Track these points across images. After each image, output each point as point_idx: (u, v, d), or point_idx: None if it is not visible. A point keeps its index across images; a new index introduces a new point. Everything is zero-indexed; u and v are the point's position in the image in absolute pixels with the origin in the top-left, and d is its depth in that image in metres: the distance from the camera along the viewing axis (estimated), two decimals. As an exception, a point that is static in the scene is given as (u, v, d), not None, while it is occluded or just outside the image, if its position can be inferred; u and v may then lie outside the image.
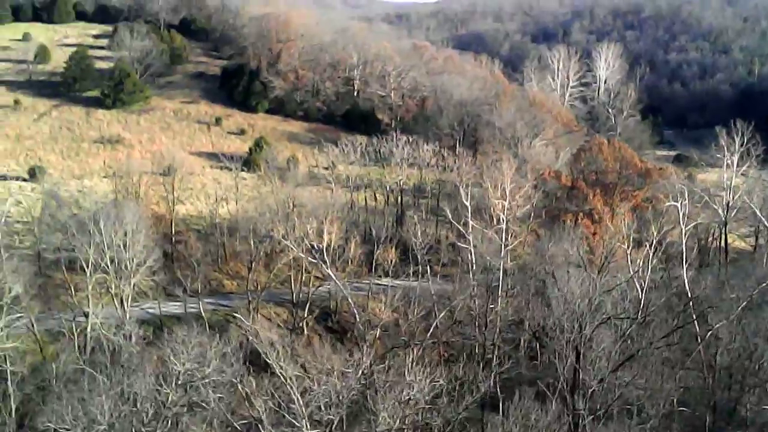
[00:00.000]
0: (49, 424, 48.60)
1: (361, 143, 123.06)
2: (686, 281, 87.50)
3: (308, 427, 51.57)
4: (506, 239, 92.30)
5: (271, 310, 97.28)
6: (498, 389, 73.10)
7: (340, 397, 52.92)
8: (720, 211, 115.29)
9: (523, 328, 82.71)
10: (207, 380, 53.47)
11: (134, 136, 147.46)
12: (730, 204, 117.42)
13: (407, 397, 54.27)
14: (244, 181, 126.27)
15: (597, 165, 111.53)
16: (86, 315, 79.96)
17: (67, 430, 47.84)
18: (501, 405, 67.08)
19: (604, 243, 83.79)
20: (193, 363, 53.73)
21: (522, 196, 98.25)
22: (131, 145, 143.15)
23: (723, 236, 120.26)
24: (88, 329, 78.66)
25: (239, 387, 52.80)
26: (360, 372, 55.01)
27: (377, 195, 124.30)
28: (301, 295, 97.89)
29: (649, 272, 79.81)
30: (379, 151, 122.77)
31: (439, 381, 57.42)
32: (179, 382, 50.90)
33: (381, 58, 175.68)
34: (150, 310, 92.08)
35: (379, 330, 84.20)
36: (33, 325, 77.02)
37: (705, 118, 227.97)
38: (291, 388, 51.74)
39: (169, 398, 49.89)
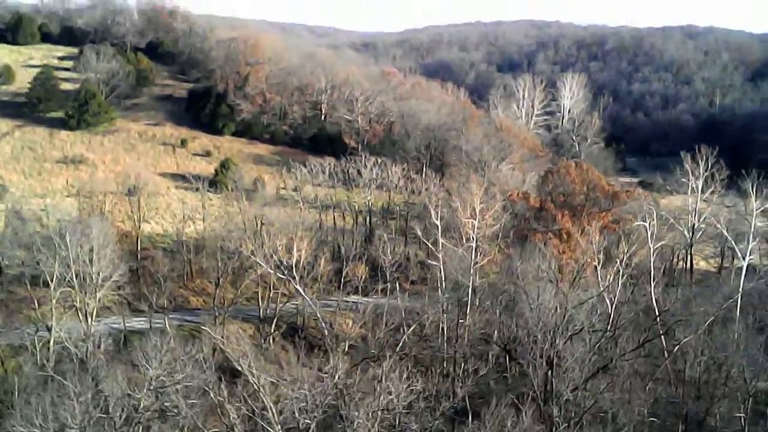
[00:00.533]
0: (19, 429, 47.15)
1: (329, 164, 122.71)
2: (653, 297, 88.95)
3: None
4: (476, 257, 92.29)
5: (237, 325, 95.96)
6: (467, 402, 72.77)
7: (316, 403, 52.06)
8: (685, 232, 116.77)
9: (492, 343, 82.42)
10: (179, 386, 52.38)
11: (98, 157, 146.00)
12: (695, 226, 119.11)
13: (384, 402, 53.59)
14: (210, 202, 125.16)
15: (565, 187, 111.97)
16: (49, 329, 78.49)
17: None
18: (470, 417, 66.85)
19: (575, 259, 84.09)
20: (165, 368, 52.62)
21: (491, 215, 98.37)
22: (95, 165, 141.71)
23: (689, 257, 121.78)
24: (51, 342, 77.17)
25: (211, 394, 51.70)
26: (336, 377, 54.23)
27: (345, 216, 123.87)
28: (268, 311, 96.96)
29: (619, 287, 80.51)
30: (348, 172, 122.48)
31: (416, 386, 56.82)
32: (151, 387, 49.72)
33: (349, 82, 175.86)
34: (114, 325, 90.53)
35: (347, 344, 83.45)
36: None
37: (667, 147, 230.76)
38: (263, 395, 50.86)
39: (141, 403, 48.69)
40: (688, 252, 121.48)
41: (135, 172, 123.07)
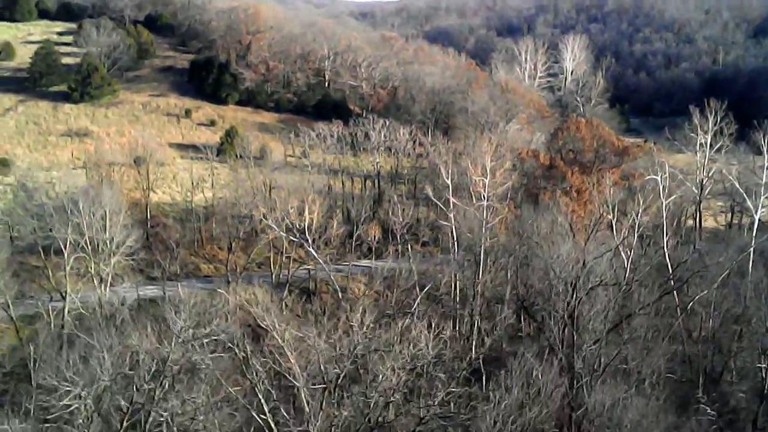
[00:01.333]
0: (50, 381, 47.11)
1: (337, 127, 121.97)
2: (666, 253, 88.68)
3: (308, 387, 50.68)
4: (488, 216, 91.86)
5: (249, 291, 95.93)
6: (481, 364, 72.56)
7: (342, 353, 51.89)
8: (694, 189, 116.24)
9: (507, 302, 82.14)
10: (206, 340, 52.28)
11: (102, 129, 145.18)
12: (704, 181, 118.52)
13: (414, 352, 53.48)
14: (216, 171, 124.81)
15: (574, 144, 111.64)
16: (63, 296, 78.40)
17: (68, 387, 46.45)
18: (485, 379, 66.81)
19: (588, 215, 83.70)
20: (194, 320, 52.47)
21: (502, 174, 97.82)
22: (100, 138, 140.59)
23: (698, 214, 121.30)
24: (65, 310, 77.14)
25: (236, 350, 51.61)
26: (364, 327, 54.01)
27: (354, 180, 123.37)
28: (281, 277, 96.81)
29: (635, 240, 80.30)
30: (355, 135, 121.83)
31: (444, 335, 56.62)
32: (180, 340, 49.59)
33: (351, 49, 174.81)
34: (127, 294, 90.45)
35: (362, 308, 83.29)
36: (9, 307, 75.15)
37: (671, 107, 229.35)
38: (287, 349, 50.73)
39: (170, 357, 48.55)
40: (697, 209, 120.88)
41: (141, 142, 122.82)
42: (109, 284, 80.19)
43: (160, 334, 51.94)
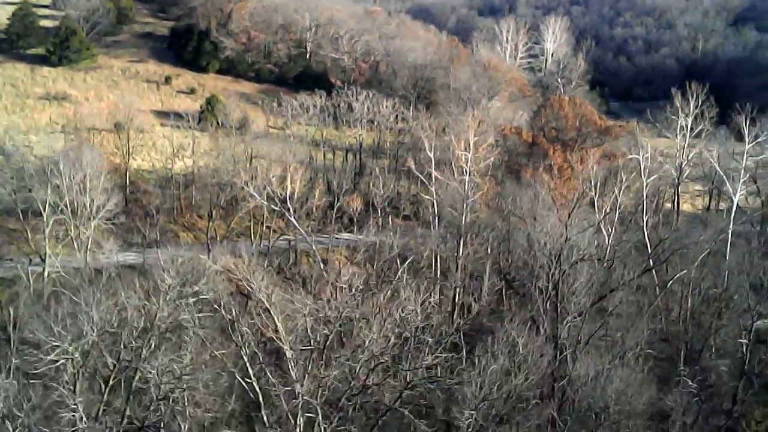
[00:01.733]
0: (39, 336, 46.64)
1: (320, 97, 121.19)
2: (645, 232, 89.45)
3: (294, 350, 50.56)
4: (469, 190, 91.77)
5: (230, 261, 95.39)
6: (461, 339, 72.72)
7: (333, 315, 51.77)
8: (673, 171, 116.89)
9: (488, 276, 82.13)
10: (195, 299, 51.95)
11: (81, 94, 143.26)
12: (683, 164, 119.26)
13: (403, 315, 53.55)
14: (197, 139, 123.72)
15: (557, 122, 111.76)
16: (43, 258, 77.59)
17: (55, 342, 46.01)
18: (465, 352, 67.07)
19: (572, 190, 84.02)
20: (182, 279, 52.15)
21: (485, 148, 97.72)
22: (78, 102, 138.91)
23: (676, 197, 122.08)
24: (45, 273, 76.37)
25: (223, 311, 51.30)
26: (352, 290, 53.89)
27: (336, 153, 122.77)
28: (261, 246, 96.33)
29: (617, 216, 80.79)
30: (338, 106, 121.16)
31: (432, 299, 56.71)
32: (168, 297, 49.21)
33: (333, 21, 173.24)
34: (105, 260, 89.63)
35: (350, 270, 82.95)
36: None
37: (650, 92, 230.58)
38: (274, 313, 50.47)
39: (157, 314, 48.21)
40: (676, 192, 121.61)
41: (121, 108, 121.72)
42: (88, 248, 79.38)
43: (148, 292, 51.63)
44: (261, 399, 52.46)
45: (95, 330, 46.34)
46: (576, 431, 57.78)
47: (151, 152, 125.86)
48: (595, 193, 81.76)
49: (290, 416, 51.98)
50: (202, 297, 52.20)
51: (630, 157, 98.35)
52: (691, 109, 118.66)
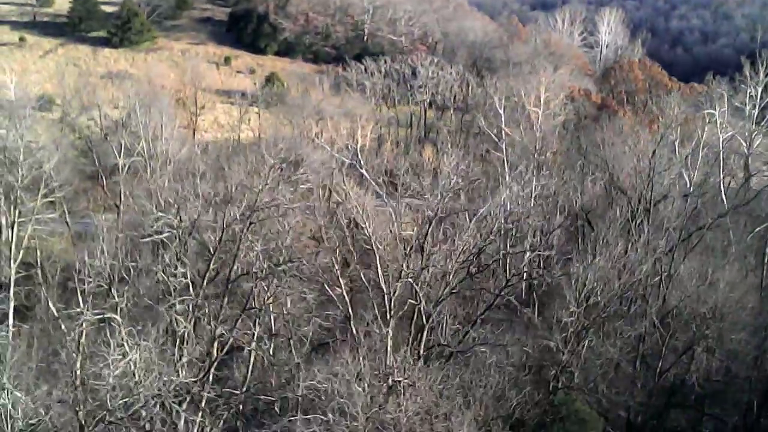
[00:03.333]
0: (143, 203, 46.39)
1: (384, 62, 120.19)
2: (722, 190, 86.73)
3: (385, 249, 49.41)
4: (541, 146, 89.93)
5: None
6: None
7: (429, 214, 50.10)
8: (743, 141, 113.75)
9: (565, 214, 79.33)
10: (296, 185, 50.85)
11: (143, 72, 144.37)
12: (753, 134, 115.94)
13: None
14: (259, 113, 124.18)
15: (627, 84, 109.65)
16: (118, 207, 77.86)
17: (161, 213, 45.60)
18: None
19: (654, 132, 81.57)
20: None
21: (556, 104, 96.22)
22: (140, 81, 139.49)
23: (747, 158, 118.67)
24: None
25: (316, 213, 50.09)
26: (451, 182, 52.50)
27: (399, 117, 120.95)
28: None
29: (699, 160, 78.53)
30: (403, 73, 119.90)
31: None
32: (274, 175, 47.90)
33: (390, 3, 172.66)
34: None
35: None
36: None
37: (708, 82, 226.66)
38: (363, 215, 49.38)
39: (259, 196, 46.82)
40: (746, 163, 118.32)
41: (183, 85, 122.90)
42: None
43: (251, 173, 50.97)
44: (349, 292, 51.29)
45: (200, 202, 45.73)
46: (677, 340, 55.83)
47: (213, 126, 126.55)
48: (676, 138, 79.39)
49: (387, 311, 50.28)
50: (305, 179, 51.62)
51: (706, 111, 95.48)
52: (761, 78, 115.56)
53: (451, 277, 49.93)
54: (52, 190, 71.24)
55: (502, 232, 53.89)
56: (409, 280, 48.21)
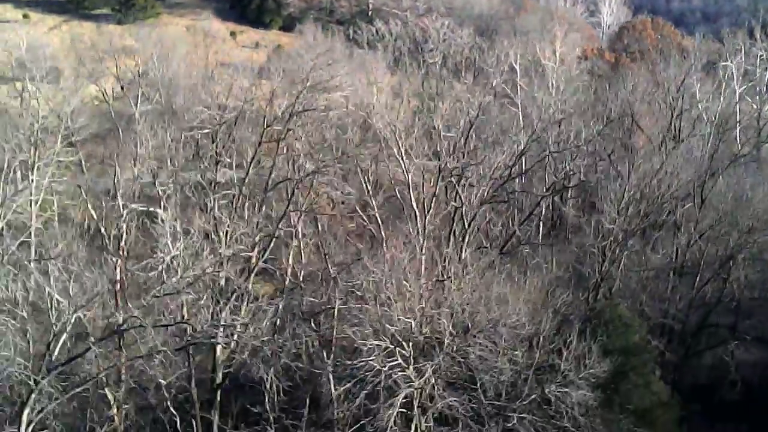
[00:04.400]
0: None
1: (396, 24, 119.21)
2: (739, 144, 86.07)
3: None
4: (557, 102, 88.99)
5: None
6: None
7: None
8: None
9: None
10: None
11: (147, 48, 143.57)
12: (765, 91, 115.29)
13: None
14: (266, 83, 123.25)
15: (640, 44, 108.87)
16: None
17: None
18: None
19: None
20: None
21: (571, 60, 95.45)
22: (145, 54, 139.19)
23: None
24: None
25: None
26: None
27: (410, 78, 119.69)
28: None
29: (721, 103, 77.94)
30: (414, 36, 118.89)
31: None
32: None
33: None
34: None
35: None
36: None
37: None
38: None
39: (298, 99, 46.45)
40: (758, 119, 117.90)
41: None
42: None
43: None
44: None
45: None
46: (717, 254, 55.24)
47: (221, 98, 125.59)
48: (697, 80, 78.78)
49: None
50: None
51: (723, 64, 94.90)
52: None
53: (491, 178, 49.23)
54: (71, 134, 70.52)
55: (547, 133, 53.05)
56: (452, 180, 47.39)
